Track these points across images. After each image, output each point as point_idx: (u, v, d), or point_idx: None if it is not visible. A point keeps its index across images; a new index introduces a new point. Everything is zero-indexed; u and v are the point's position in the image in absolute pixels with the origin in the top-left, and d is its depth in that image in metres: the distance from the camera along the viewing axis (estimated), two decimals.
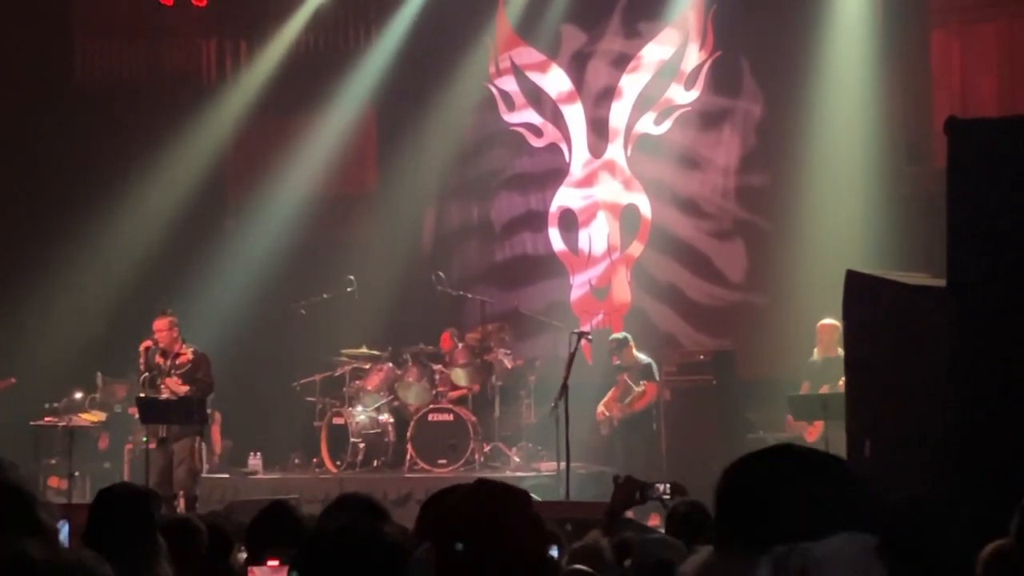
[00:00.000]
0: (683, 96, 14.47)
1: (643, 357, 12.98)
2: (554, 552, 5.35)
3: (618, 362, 13.08)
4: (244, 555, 4.45)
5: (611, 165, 14.85)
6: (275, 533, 4.16)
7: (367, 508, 4.00)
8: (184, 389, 11.56)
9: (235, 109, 15.92)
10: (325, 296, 14.13)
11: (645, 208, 14.63)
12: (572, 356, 11.24)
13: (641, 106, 14.65)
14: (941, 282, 6.74)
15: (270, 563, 3.73)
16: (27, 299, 14.92)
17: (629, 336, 13.16)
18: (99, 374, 14.53)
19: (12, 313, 14.77)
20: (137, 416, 12.15)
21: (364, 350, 13.81)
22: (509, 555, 2.75)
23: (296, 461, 14.00)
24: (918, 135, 13.16)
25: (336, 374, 13.79)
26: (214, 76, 16.41)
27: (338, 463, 13.15)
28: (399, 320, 14.72)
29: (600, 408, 12.94)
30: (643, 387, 12.79)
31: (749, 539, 1.92)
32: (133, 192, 15.39)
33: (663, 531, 5.28)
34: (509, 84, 15.30)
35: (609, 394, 13.02)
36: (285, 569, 3.35)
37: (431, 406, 13.15)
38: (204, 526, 4.63)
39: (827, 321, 12.10)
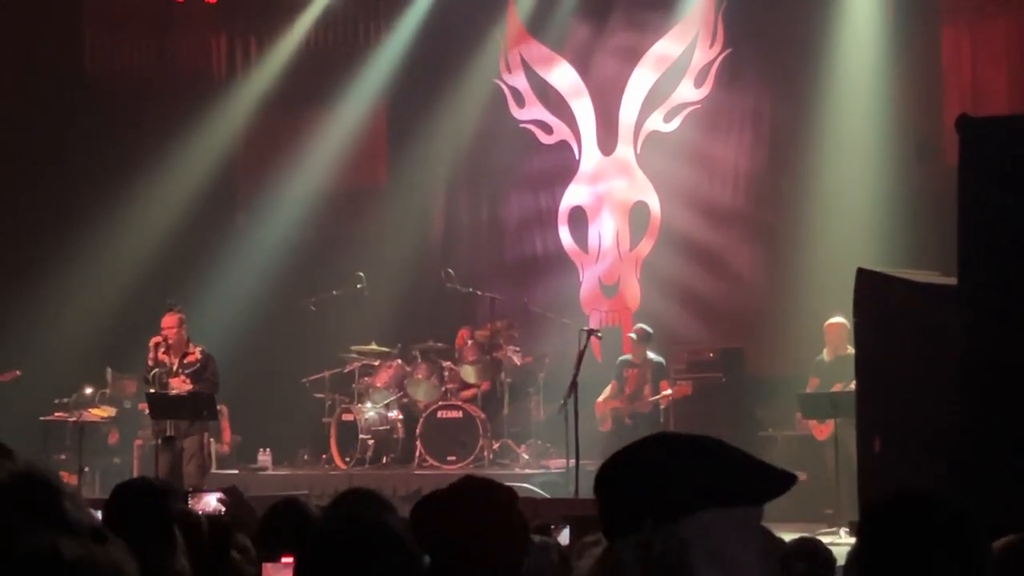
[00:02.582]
0: (693, 93, 14.45)
1: (654, 356, 12.92)
2: (566, 533, 5.35)
3: (628, 356, 12.96)
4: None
5: (621, 162, 14.83)
6: (286, 529, 4.17)
7: (372, 503, 3.99)
8: (189, 387, 11.59)
9: (245, 105, 15.95)
10: (335, 292, 14.14)
11: (655, 205, 14.62)
12: (581, 353, 11.22)
13: (651, 103, 14.64)
14: (952, 280, 6.73)
15: (284, 560, 3.74)
16: (37, 294, 14.95)
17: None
18: (109, 369, 14.57)
19: (22, 308, 14.80)
20: (147, 412, 12.17)
21: (373, 347, 13.82)
22: (487, 557, 2.78)
23: (305, 457, 14.03)
24: (929, 132, 13.13)
25: (345, 370, 13.81)
26: (224, 72, 16.44)
27: (347, 459, 13.16)
28: (409, 317, 14.73)
29: (599, 402, 12.83)
30: (664, 388, 12.63)
31: (619, 527, 1.97)
32: (143, 187, 15.41)
33: None
34: (519, 80, 15.29)
35: (608, 389, 12.89)
36: None
37: (440, 403, 13.16)
38: (205, 519, 4.64)
39: (835, 320, 12.05)
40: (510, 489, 2.96)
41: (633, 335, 12.98)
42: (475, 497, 2.86)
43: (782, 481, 1.98)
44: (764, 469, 1.99)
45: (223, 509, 5.05)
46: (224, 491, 5.43)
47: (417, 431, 13.03)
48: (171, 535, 3.83)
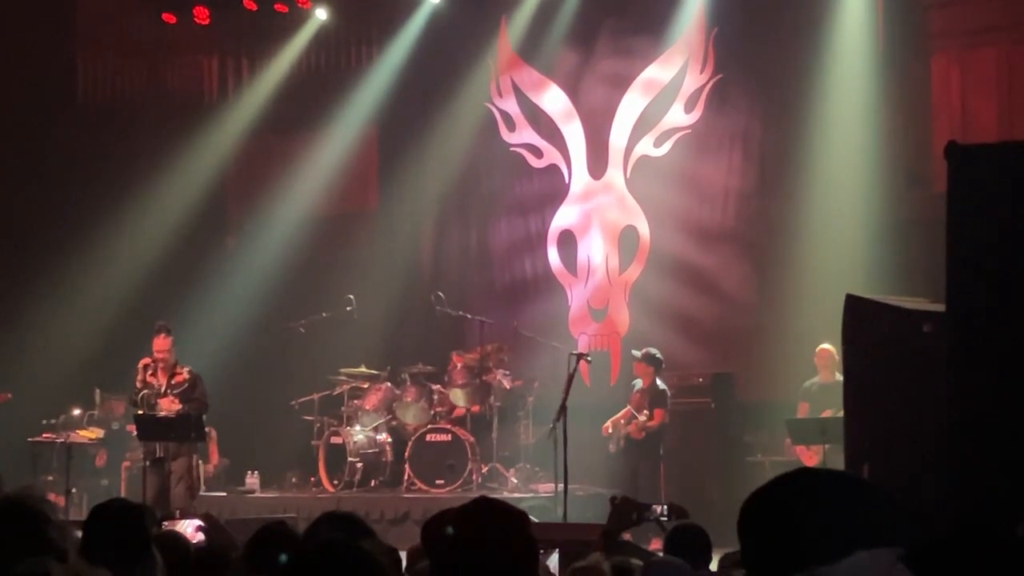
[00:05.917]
0: (683, 118, 14.48)
1: (660, 383, 12.72)
2: (554, 558, 5.34)
3: (639, 380, 12.81)
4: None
5: (610, 186, 14.85)
6: (273, 554, 4.14)
7: (350, 525, 3.97)
8: (178, 407, 11.57)
9: (237, 127, 15.97)
10: (324, 315, 14.14)
11: (644, 230, 14.63)
12: (571, 377, 11.20)
13: (641, 128, 14.66)
14: (940, 306, 6.74)
15: None
16: (27, 315, 14.93)
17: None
18: (98, 390, 14.54)
19: (12, 329, 14.77)
20: (135, 433, 12.14)
21: (363, 369, 13.81)
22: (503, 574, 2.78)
23: (293, 480, 14.00)
24: (918, 159, 13.16)
25: (335, 393, 13.79)
26: (216, 94, 16.47)
27: (336, 482, 13.13)
28: (398, 340, 14.72)
29: (607, 424, 12.75)
30: (646, 416, 12.55)
31: (774, 567, 1.96)
32: (134, 209, 15.43)
33: (661, 553, 5.26)
34: (510, 105, 15.32)
35: (623, 411, 12.81)
36: None
37: (429, 426, 13.14)
38: (192, 543, 4.62)
39: (825, 346, 12.10)
40: (523, 513, 2.97)
41: (637, 353, 12.81)
42: (488, 518, 2.86)
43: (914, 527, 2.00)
44: (901, 512, 2.01)
45: (203, 537, 5.03)
46: (201, 518, 5.41)
47: (406, 454, 13.01)
48: (150, 555, 3.82)
